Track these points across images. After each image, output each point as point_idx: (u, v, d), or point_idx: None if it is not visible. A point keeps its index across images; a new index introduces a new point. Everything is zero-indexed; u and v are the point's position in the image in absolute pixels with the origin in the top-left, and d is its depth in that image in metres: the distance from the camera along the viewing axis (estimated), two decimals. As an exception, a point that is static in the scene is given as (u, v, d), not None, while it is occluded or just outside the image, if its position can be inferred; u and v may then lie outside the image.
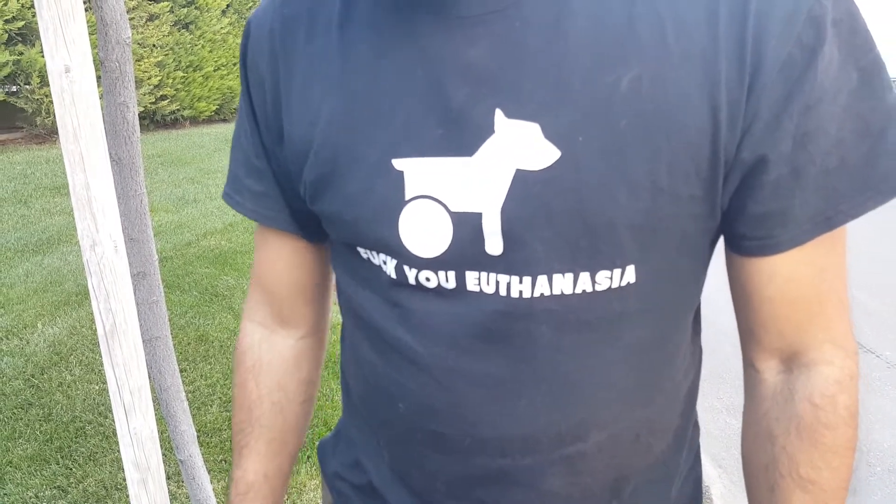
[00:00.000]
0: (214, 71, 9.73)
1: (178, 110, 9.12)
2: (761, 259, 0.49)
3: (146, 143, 7.96)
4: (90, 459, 2.13)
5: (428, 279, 0.50)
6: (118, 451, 1.43)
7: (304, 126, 0.52)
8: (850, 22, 0.44)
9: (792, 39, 0.42)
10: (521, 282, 0.47)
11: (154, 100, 8.48)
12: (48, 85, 6.53)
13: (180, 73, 8.91)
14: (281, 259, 0.64)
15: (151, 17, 8.30)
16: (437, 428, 0.53)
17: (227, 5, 9.98)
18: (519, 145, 0.44)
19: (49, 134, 7.19)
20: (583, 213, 0.45)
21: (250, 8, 10.65)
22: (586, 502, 0.54)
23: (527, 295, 0.47)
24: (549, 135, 0.44)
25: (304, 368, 0.69)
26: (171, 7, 8.64)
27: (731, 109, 0.43)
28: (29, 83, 6.71)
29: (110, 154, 1.19)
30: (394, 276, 0.51)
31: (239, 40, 10.18)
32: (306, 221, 0.60)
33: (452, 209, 0.47)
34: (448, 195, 0.47)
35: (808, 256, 0.49)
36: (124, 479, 1.46)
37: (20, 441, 2.21)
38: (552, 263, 0.46)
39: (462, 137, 0.46)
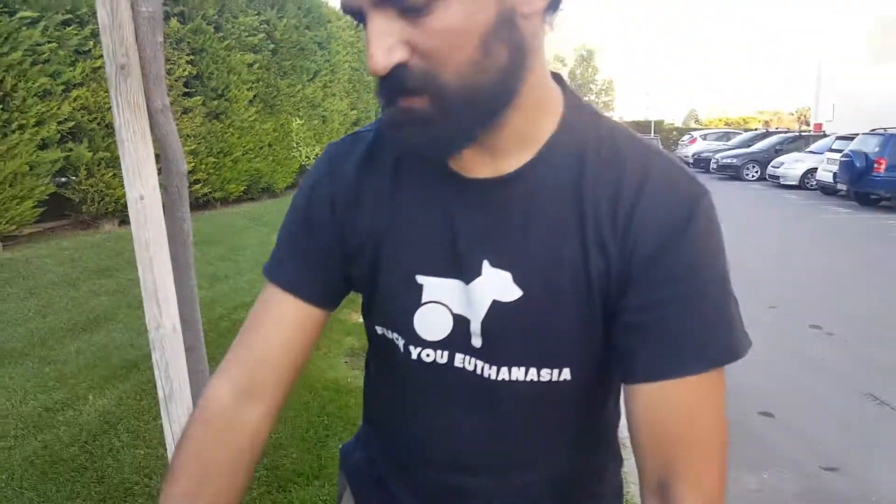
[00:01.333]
0: (243, 155, 10.40)
1: (210, 192, 9.75)
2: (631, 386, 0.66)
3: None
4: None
5: (428, 355, 0.74)
6: None
7: (363, 236, 0.75)
8: (708, 228, 0.65)
9: (661, 239, 0.63)
10: (490, 367, 0.71)
11: (189, 184, 9.10)
12: (94, 176, 7.18)
13: (212, 159, 9.58)
14: (284, 326, 0.75)
15: (186, 111, 9.02)
16: (428, 453, 0.79)
17: (254, 96, 10.75)
18: (496, 285, 0.69)
19: (93, 220, 7.76)
20: (534, 333, 0.68)
21: (274, 97, 11.43)
22: None
23: (493, 377, 0.71)
24: (517, 280, 0.68)
25: (258, 450, 0.76)
26: (203, 101, 9.38)
27: (620, 276, 0.65)
28: (77, 175, 7.34)
29: (171, 256, 1.57)
30: (402, 350, 0.75)
31: (264, 126, 10.92)
32: (329, 290, 0.78)
33: (454, 311, 0.71)
34: (451, 302, 0.71)
35: (667, 395, 0.62)
36: None
37: (77, 500, 2.53)
38: (512, 360, 0.70)
39: (462, 271, 0.70)
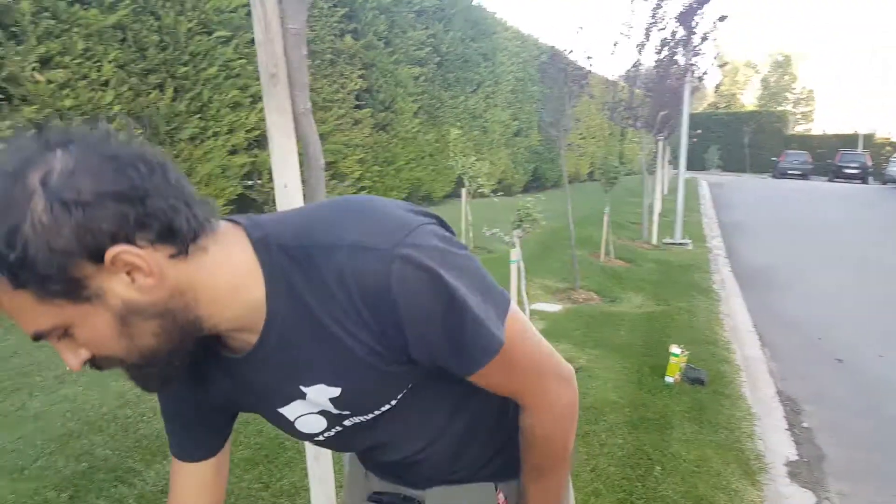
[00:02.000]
0: (405, 164, 11.04)
1: (373, 199, 10.49)
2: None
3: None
4: (286, 466, 2.77)
5: (327, 437, 0.97)
6: (306, 462, 1.98)
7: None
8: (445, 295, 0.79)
9: (392, 315, 0.78)
10: (366, 415, 0.92)
11: (355, 191, 9.86)
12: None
13: (377, 168, 10.27)
14: (189, 486, 1.00)
15: (356, 122, 9.78)
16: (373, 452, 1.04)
17: (419, 108, 11.37)
18: (321, 390, 0.87)
19: (272, 220, 8.70)
20: (363, 395, 0.89)
21: (437, 108, 11.99)
22: (438, 467, 1.04)
23: (373, 415, 0.93)
24: (331, 384, 0.87)
25: None
26: (372, 113, 10.11)
27: (391, 347, 0.81)
28: (260, 178, 8.27)
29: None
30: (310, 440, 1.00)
31: (427, 137, 11.49)
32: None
33: (314, 412, 0.92)
34: (307, 409, 0.92)
35: (486, 378, 0.87)
36: (307, 483, 2.00)
37: (238, 448, 2.92)
38: (371, 407, 0.91)
39: (295, 397, 0.89)
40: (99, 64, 5.97)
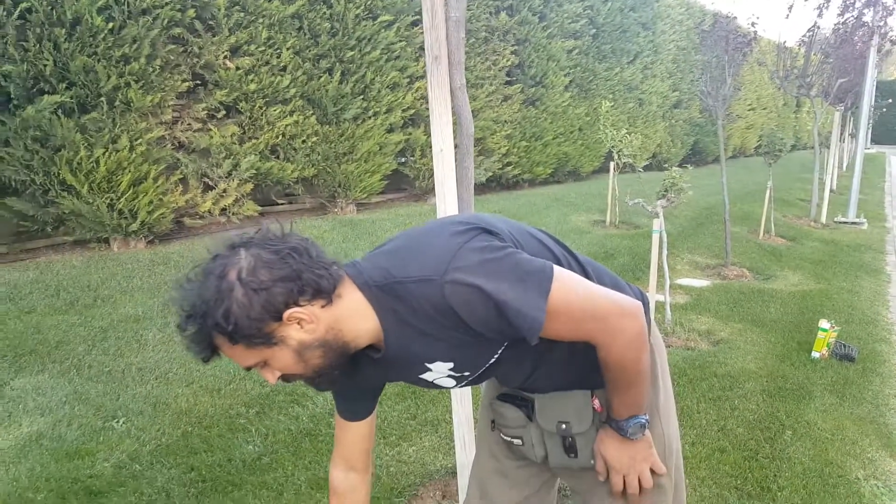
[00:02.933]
0: (553, 139, 11.08)
1: (519, 174, 10.65)
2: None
3: (492, 202, 9.56)
4: (430, 402, 3.13)
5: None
6: (450, 398, 2.29)
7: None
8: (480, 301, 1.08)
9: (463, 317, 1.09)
10: (476, 371, 1.26)
11: (501, 166, 10.12)
12: (426, 157, 8.52)
13: (524, 143, 10.44)
14: (354, 433, 1.37)
15: (506, 98, 9.99)
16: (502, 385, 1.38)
17: (570, 81, 11.31)
18: (441, 365, 1.20)
19: (423, 194, 9.19)
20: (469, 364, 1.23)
21: (590, 81, 11.85)
22: (546, 388, 1.33)
23: (479, 371, 1.26)
24: (445, 360, 1.20)
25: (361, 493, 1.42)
26: (522, 88, 10.26)
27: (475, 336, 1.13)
28: (413, 155, 8.78)
29: (457, 194, 2.09)
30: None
31: (577, 110, 11.42)
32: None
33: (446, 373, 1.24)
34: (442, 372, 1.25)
35: (554, 332, 1.12)
36: (451, 416, 2.31)
37: (389, 386, 3.33)
38: (477, 367, 1.25)
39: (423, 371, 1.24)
40: (279, 51, 6.71)
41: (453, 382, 1.28)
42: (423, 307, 1.09)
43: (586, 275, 1.27)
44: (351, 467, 1.39)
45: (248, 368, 1.12)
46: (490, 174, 9.87)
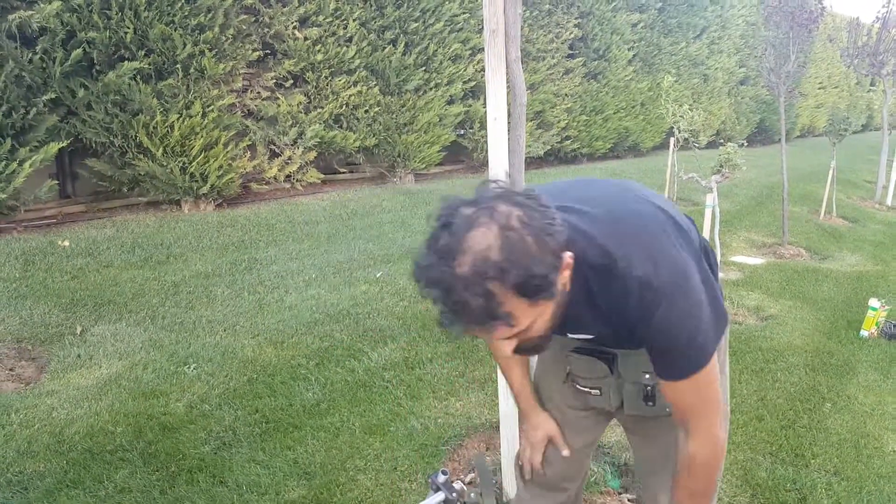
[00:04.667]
0: (614, 114, 10.94)
1: (578, 148, 10.58)
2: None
3: (548, 175, 9.57)
4: (478, 362, 3.29)
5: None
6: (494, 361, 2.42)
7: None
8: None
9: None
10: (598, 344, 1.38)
11: (560, 140, 10.08)
12: (484, 129, 8.58)
13: (584, 117, 10.35)
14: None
15: (567, 71, 9.91)
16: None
17: (633, 55, 11.10)
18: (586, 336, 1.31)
19: (480, 166, 9.27)
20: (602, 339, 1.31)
21: (654, 55, 11.58)
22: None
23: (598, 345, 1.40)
24: (593, 335, 1.30)
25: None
26: (584, 61, 10.14)
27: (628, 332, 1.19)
28: (472, 128, 8.86)
29: (508, 161, 2.21)
30: None
31: (640, 85, 11.20)
32: None
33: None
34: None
35: (673, 390, 1.20)
36: (496, 374, 2.44)
37: (441, 345, 3.49)
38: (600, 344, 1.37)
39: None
40: (345, 22, 6.88)
41: (579, 343, 1.40)
42: (627, 297, 1.11)
43: (713, 273, 1.34)
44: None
45: (505, 337, 1.05)
46: (548, 147, 9.86)
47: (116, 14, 5.23)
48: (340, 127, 7.21)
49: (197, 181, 5.97)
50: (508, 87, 2.25)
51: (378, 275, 4.67)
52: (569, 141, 10.29)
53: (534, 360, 1.69)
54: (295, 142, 6.77)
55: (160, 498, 2.20)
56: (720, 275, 4.63)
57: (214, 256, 4.90)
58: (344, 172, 7.94)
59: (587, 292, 1.14)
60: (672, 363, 1.18)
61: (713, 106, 13.75)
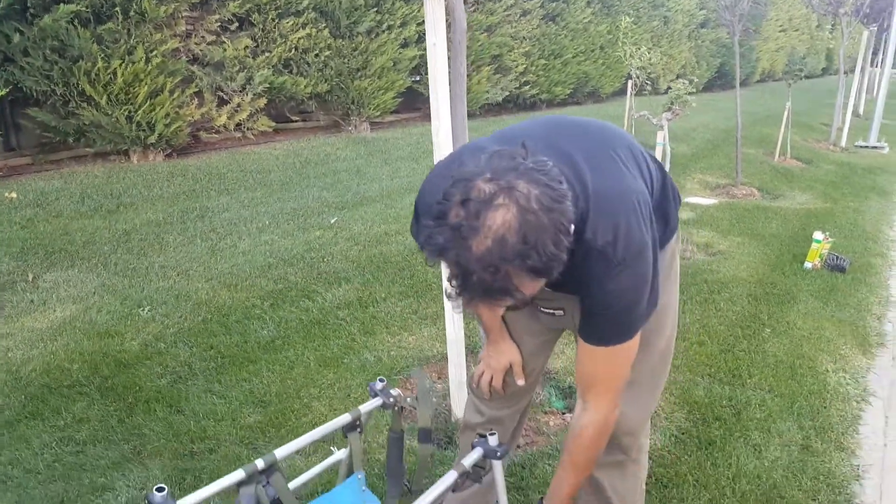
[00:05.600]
0: (573, 57, 10.89)
1: (537, 94, 10.54)
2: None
3: (508, 123, 9.55)
4: (431, 300, 3.35)
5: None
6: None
7: None
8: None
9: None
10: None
11: (518, 85, 10.03)
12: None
13: (542, 61, 10.28)
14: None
15: (524, 13, 9.78)
16: None
17: (591, -4, 11.01)
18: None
19: (439, 111, 9.18)
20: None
21: (612, -2, 11.49)
22: None
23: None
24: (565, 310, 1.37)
25: None
26: (542, 2, 10.02)
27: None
28: (427, 73, 8.72)
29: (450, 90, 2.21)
30: None
31: (598, 28, 11.12)
32: None
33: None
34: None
35: (591, 355, 1.23)
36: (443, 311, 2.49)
37: (395, 285, 3.55)
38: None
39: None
40: (292, -39, 6.64)
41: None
42: (582, 262, 1.14)
43: (675, 204, 1.44)
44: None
45: (511, 308, 1.09)
46: (507, 93, 9.80)
47: (48, -47, 4.97)
48: (290, 72, 7.04)
49: (144, 130, 5.80)
50: (448, 15, 2.24)
51: (333, 221, 4.67)
52: (528, 86, 10.24)
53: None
54: (243, 88, 6.60)
55: (118, 426, 2.23)
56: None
57: (165, 205, 4.82)
58: (297, 121, 7.80)
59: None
60: (601, 329, 1.23)
61: (673, 49, 13.80)
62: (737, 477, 2.21)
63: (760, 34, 17.42)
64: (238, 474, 1.27)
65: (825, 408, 2.66)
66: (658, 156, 4.43)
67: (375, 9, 7.53)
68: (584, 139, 1.26)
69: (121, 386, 2.47)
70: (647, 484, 2.14)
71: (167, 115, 5.88)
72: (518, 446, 2.31)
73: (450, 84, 2.23)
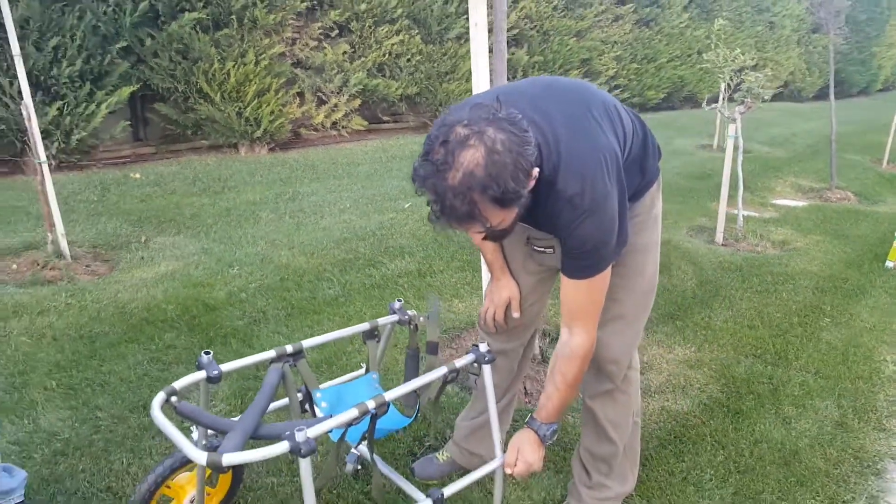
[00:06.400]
0: (668, 62, 10.75)
1: (629, 97, 10.50)
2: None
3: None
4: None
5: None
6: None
7: None
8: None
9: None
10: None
11: (608, 89, 10.04)
12: (528, 76, 8.69)
13: (634, 65, 10.24)
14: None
15: (616, 18, 9.81)
16: None
17: (690, 1, 10.83)
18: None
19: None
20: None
21: (713, 1, 11.24)
22: None
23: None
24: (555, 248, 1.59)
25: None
26: (635, 8, 10.00)
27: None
28: (515, 76, 8.94)
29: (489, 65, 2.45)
30: None
31: (696, 32, 10.92)
32: None
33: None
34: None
35: (574, 288, 1.47)
36: None
37: (454, 260, 3.79)
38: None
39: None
40: (388, -29, 7.12)
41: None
42: (555, 209, 1.38)
43: (656, 157, 1.64)
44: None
45: (481, 233, 1.29)
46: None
47: (176, -33, 5.68)
48: (383, 75, 7.51)
49: (251, 125, 6.42)
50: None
51: (406, 205, 5.00)
52: (618, 90, 10.22)
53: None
54: (340, 89, 7.12)
55: (198, 353, 2.60)
56: (747, 213, 4.70)
57: (263, 189, 5.35)
58: (388, 121, 8.26)
59: (535, 197, 1.36)
60: (577, 266, 1.46)
61: (780, 56, 13.22)
62: (758, 442, 2.27)
63: (884, 39, 16.28)
64: (270, 353, 1.57)
65: (873, 392, 2.63)
66: (729, 149, 4.43)
67: (465, 16, 7.87)
68: (566, 101, 1.47)
69: (205, 323, 2.88)
70: (660, 439, 2.26)
71: (272, 112, 6.47)
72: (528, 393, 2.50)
73: (492, 60, 2.46)
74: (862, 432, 2.36)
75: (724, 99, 8.22)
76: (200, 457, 1.17)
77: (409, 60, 7.59)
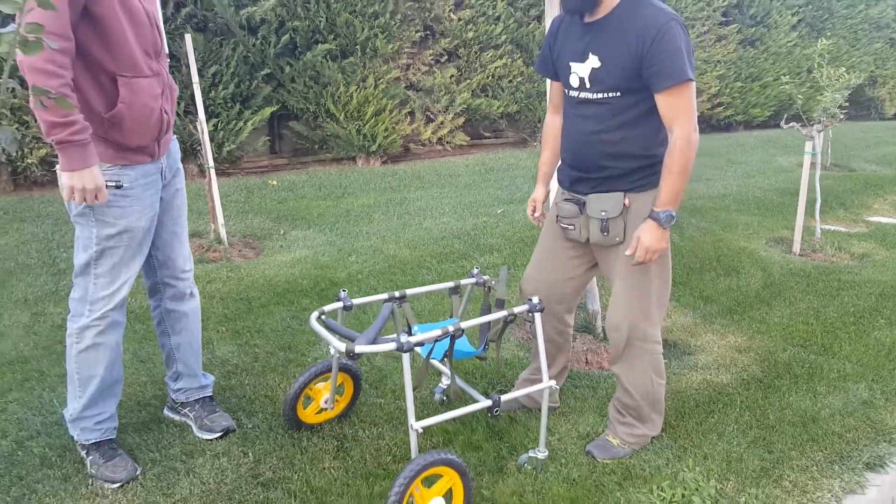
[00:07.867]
0: (774, 80, 10.72)
1: (732, 115, 10.57)
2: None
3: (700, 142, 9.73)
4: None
5: (571, 93, 2.16)
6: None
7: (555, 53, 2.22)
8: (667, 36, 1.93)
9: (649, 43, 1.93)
10: (591, 93, 2.09)
11: (711, 106, 10.19)
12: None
13: (738, 84, 10.32)
14: (557, 89, 2.31)
15: (720, 38, 9.97)
16: (565, 157, 2.28)
17: (799, 20, 10.76)
18: (593, 62, 2.05)
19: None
20: (607, 77, 2.04)
21: (825, 20, 11.08)
22: (592, 173, 2.18)
23: (591, 97, 2.10)
24: (601, 59, 2.04)
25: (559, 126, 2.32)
26: (740, 28, 10.11)
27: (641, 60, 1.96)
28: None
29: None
30: (567, 94, 2.19)
31: (806, 51, 10.82)
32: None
33: (580, 74, 2.10)
34: (578, 71, 2.10)
35: (666, 101, 1.96)
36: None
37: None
38: (599, 89, 2.07)
39: (583, 59, 2.08)
40: (494, 3, 7.82)
41: (577, 85, 2.08)
42: (641, 23, 1.88)
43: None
44: (556, 111, 2.35)
45: None
46: (698, 113, 10.02)
47: (314, 6, 6.65)
48: (486, 95, 8.18)
49: (368, 140, 7.30)
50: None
51: (499, 211, 5.61)
52: (721, 108, 10.34)
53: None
54: (446, 108, 7.87)
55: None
56: (835, 228, 4.85)
57: (376, 195, 6.16)
58: (489, 137, 8.92)
59: (621, 10, 1.94)
60: (663, 73, 1.86)
61: (903, 72, 12.69)
62: (783, 409, 2.62)
63: None
64: (384, 295, 2.24)
65: (908, 381, 2.89)
66: (806, 165, 4.68)
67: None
68: None
69: (331, 294, 3.64)
70: (696, 401, 2.68)
71: (386, 129, 7.32)
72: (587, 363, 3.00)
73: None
74: (885, 409, 2.64)
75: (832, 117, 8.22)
76: (341, 346, 1.83)
77: (510, 81, 8.23)
